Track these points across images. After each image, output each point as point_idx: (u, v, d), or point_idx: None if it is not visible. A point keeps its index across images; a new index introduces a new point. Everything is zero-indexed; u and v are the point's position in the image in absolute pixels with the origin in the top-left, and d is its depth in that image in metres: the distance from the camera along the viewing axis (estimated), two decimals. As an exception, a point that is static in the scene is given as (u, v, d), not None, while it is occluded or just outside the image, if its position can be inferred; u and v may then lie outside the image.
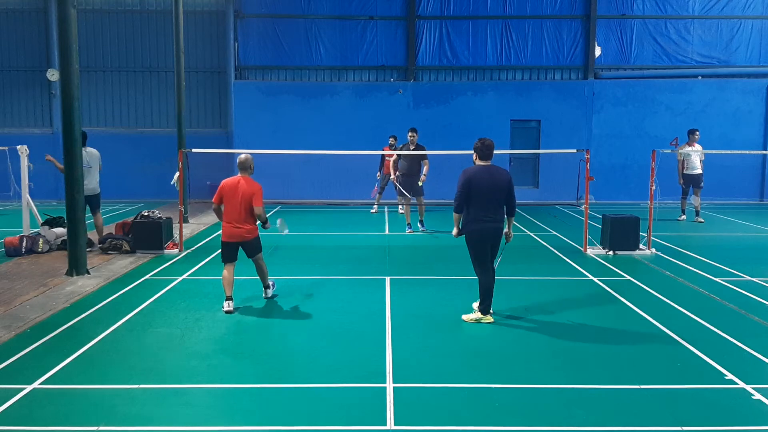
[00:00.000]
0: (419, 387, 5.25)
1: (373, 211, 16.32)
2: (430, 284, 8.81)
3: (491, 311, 7.06)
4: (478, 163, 6.99)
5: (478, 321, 6.99)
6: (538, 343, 6.40)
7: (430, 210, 16.39)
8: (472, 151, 7.07)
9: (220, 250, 11.07)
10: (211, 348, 6.20)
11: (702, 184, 14.60)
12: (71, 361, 5.79)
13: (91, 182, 10.76)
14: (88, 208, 10.94)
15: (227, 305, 7.39)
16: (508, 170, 7.18)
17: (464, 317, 7.07)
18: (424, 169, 12.78)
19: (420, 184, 12.77)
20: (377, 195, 16.28)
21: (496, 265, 7.15)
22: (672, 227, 13.81)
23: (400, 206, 15.36)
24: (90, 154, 10.82)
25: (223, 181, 7.59)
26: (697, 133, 14.59)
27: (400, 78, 19.81)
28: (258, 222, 7.62)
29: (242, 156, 7.66)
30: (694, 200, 14.68)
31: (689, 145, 14.45)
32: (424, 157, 12.79)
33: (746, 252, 11.37)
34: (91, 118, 19.91)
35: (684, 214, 14.90)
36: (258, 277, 8.00)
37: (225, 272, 7.55)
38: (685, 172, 14.49)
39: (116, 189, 19.16)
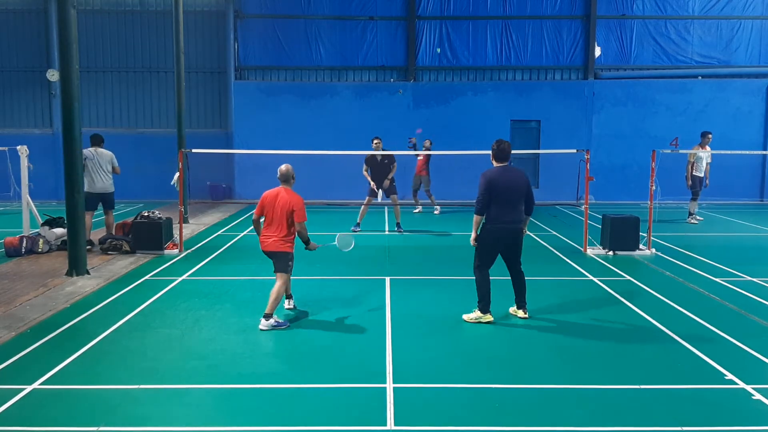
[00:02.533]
0: (419, 387, 5.25)
1: (417, 211, 16.21)
2: (430, 284, 8.81)
3: (489, 310, 7.04)
4: (496, 164, 7.01)
5: (478, 320, 6.99)
6: (538, 343, 6.40)
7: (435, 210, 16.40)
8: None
9: (220, 251, 11.17)
10: (211, 348, 6.19)
11: (702, 188, 14.60)
12: (71, 362, 5.79)
13: (104, 181, 11.10)
14: (101, 206, 11.27)
15: (287, 303, 7.52)
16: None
17: (465, 317, 7.08)
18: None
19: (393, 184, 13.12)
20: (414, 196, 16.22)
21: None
22: (672, 227, 13.79)
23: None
24: (101, 155, 11.07)
25: (265, 193, 7.17)
26: (710, 135, 14.50)
27: (400, 78, 19.81)
28: (295, 237, 7.10)
29: (283, 167, 7.21)
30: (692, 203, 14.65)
31: (701, 147, 14.37)
32: (391, 162, 13.12)
33: (746, 252, 11.36)
34: (91, 118, 19.92)
35: (695, 215, 14.76)
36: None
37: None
38: (694, 173, 14.43)
39: (116, 189, 19.12)
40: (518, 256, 7.10)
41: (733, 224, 14.56)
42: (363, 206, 13.36)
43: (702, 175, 14.50)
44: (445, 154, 14.48)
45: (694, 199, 14.61)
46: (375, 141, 13.13)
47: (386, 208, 16.91)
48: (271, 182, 7.97)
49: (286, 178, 7.17)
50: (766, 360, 5.84)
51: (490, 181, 6.81)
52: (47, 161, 17.52)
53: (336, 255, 10.93)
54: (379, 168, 13.02)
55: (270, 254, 7.07)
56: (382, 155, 12.98)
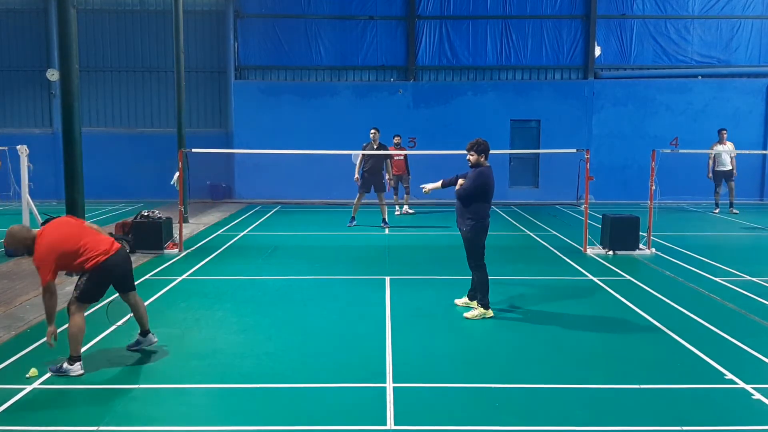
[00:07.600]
0: (419, 387, 5.25)
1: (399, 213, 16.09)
2: (430, 284, 8.81)
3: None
4: (485, 163, 7.19)
5: (483, 316, 7.12)
6: (538, 343, 6.39)
7: (434, 211, 16.41)
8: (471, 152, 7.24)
9: (220, 250, 11.17)
10: (211, 348, 6.19)
11: (733, 177, 15.79)
12: (71, 361, 5.77)
13: None
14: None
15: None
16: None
17: (467, 315, 7.16)
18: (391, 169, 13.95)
19: (384, 181, 13.79)
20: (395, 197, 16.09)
21: None
22: (673, 227, 13.78)
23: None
24: None
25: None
26: (725, 132, 15.76)
27: (400, 78, 19.81)
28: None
29: (9, 231, 5.54)
30: (730, 193, 15.83)
31: (720, 144, 15.53)
32: (387, 156, 13.58)
33: (746, 252, 11.36)
34: (91, 118, 19.92)
35: (718, 207, 16.02)
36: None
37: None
38: (716, 168, 15.75)
39: (116, 189, 19.20)
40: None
41: (733, 224, 14.56)
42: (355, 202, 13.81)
43: (726, 168, 15.68)
44: (445, 154, 14.46)
45: (717, 192, 16.02)
46: (372, 131, 13.62)
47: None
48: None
49: (15, 248, 5.65)
50: (766, 360, 5.83)
51: (489, 181, 7.09)
52: (47, 161, 17.51)
53: (336, 255, 10.96)
54: (375, 159, 13.38)
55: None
56: (378, 146, 13.45)
